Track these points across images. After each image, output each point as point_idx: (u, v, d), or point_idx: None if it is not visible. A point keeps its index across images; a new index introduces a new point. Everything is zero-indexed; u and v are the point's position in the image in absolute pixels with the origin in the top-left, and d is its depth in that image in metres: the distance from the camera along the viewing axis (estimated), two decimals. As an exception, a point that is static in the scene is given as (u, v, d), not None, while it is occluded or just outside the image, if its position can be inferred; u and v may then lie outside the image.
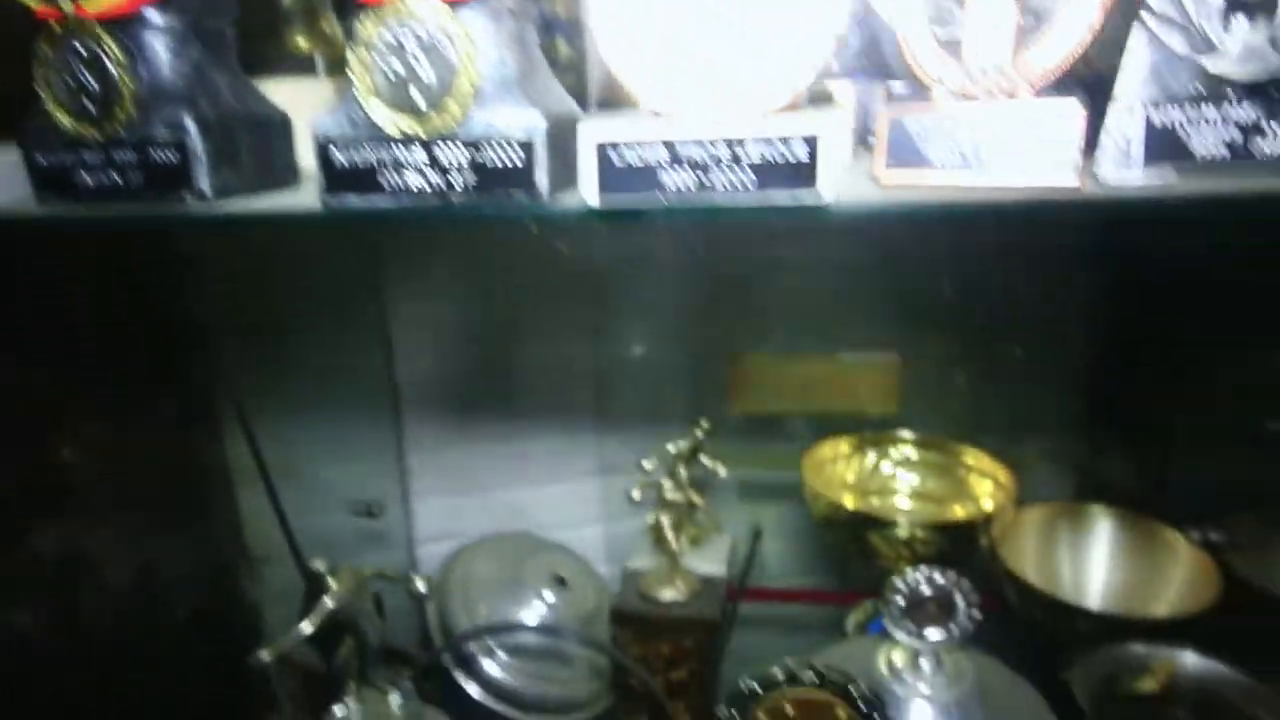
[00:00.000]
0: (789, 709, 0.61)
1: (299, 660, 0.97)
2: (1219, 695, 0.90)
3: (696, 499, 0.96)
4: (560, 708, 1.00)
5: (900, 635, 0.85)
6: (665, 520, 0.94)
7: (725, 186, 0.43)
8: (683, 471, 0.95)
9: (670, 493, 0.93)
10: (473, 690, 0.98)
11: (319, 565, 0.67)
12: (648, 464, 0.98)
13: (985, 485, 1.07)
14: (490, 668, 0.99)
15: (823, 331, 1.13)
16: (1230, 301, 1.04)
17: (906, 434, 1.13)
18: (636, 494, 0.95)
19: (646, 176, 0.44)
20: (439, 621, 1.03)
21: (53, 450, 0.86)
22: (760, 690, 0.62)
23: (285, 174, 0.55)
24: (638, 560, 1.02)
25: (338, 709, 0.70)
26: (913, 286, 1.09)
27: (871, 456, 1.12)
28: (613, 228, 1.07)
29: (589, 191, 0.45)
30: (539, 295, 1.17)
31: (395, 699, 0.71)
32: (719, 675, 0.97)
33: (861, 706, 0.61)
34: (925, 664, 0.85)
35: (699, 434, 1.02)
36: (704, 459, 1.01)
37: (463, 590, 1.03)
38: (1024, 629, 1.03)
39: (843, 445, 1.12)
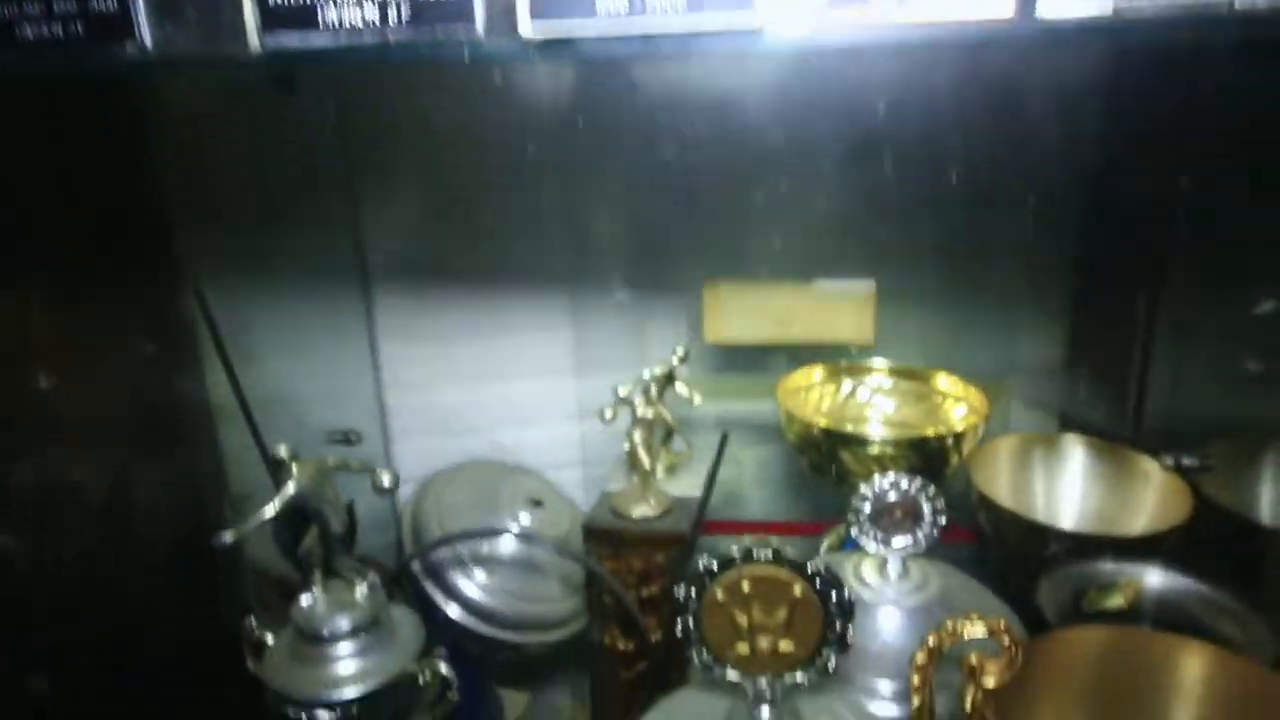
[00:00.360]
0: (746, 586, 0.62)
1: (276, 574, 0.97)
2: (1184, 609, 0.91)
3: (668, 415, 0.96)
4: (535, 626, 1.01)
5: (866, 541, 0.86)
6: (638, 437, 0.94)
7: (657, 9, 0.43)
8: (655, 390, 0.96)
9: (642, 409, 0.94)
10: (451, 611, 0.99)
11: (282, 451, 0.67)
12: (623, 389, 0.98)
13: (959, 410, 1.08)
14: (466, 587, 0.99)
15: (797, 258, 1.13)
16: (1212, 209, 1.04)
17: (880, 362, 1.13)
18: (609, 413, 0.95)
19: (579, -1, 0.44)
20: (415, 546, 1.04)
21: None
22: (717, 569, 0.62)
23: (237, 43, 0.55)
24: (613, 485, 1.03)
25: (304, 598, 0.71)
26: (887, 212, 1.10)
27: (846, 385, 1.13)
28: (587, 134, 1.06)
29: (523, 20, 0.45)
30: (515, 229, 1.17)
31: (361, 589, 0.71)
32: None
33: (818, 584, 0.61)
34: (892, 571, 0.86)
35: (675, 359, 1.02)
36: (680, 387, 1.01)
37: (437, 514, 1.04)
38: (999, 560, 1.04)
39: (817, 373, 1.13)
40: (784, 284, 1.11)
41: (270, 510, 0.65)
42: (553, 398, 1.27)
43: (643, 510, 0.95)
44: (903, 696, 0.78)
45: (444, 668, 0.71)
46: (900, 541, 0.85)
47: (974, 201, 1.09)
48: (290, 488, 0.66)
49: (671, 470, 1.09)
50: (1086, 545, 0.96)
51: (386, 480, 0.71)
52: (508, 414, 1.28)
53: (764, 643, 0.63)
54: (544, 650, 1.04)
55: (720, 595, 0.62)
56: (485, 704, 1.10)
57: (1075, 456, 1.12)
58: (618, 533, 0.94)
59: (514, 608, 1.00)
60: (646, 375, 0.98)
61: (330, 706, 0.67)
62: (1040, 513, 1.09)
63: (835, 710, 0.69)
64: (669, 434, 1.13)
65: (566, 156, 1.08)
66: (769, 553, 0.61)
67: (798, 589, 0.61)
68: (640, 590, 0.95)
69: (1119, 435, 1.15)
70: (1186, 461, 1.06)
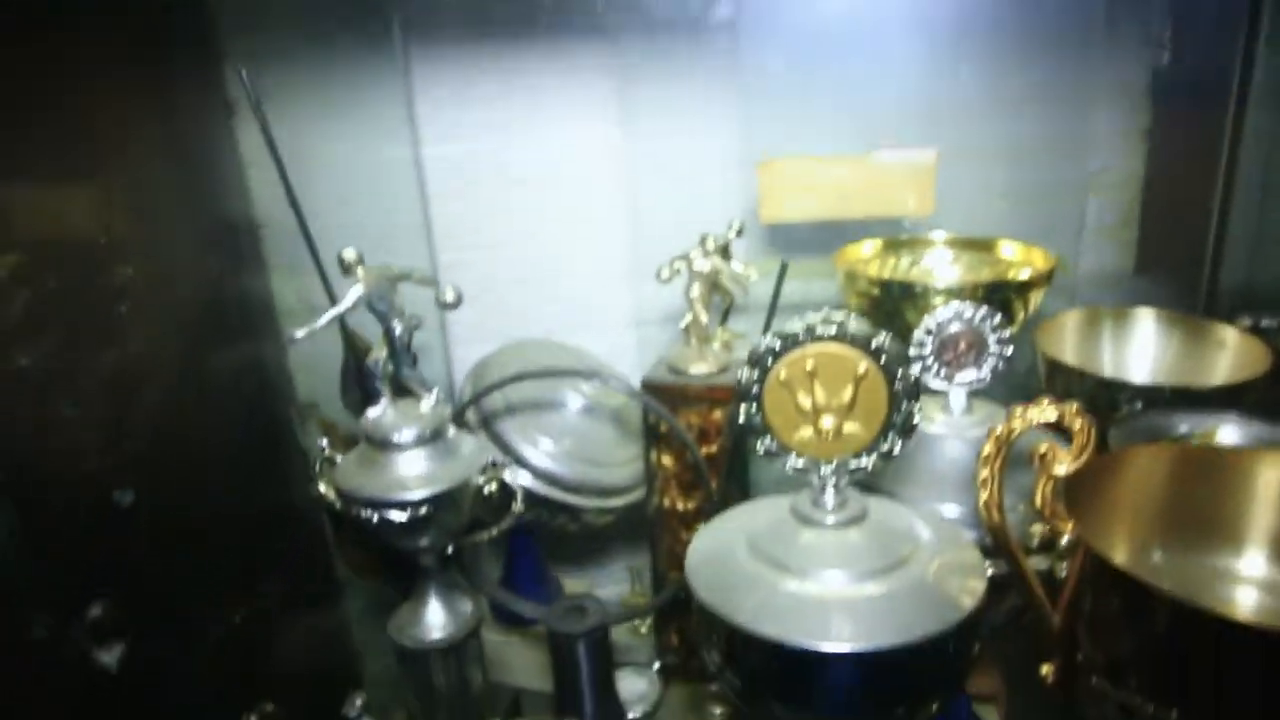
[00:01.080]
0: (809, 364, 0.61)
1: (343, 432, 1.00)
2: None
3: (725, 272, 0.96)
4: (595, 491, 1.02)
5: (930, 378, 0.85)
6: (695, 292, 0.94)
7: None
8: (711, 244, 0.95)
9: (699, 262, 0.94)
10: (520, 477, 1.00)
11: (348, 254, 0.69)
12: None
13: (1024, 272, 1.05)
14: (531, 454, 1.00)
15: (853, 130, 1.12)
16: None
17: (940, 234, 1.11)
18: (665, 272, 0.95)
19: None
20: (477, 417, 1.05)
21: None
22: (780, 348, 0.62)
23: None
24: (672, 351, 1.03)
25: (372, 410, 0.72)
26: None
27: (906, 256, 1.12)
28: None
29: None
30: (569, 156, 1.18)
31: (427, 402, 0.72)
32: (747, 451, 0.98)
33: (883, 360, 0.61)
34: (955, 406, 0.85)
35: (730, 233, 1.02)
36: (736, 264, 1.00)
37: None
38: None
39: (875, 245, 1.11)
40: (841, 158, 1.09)
41: (340, 308, 0.67)
42: (609, 304, 1.28)
43: (700, 367, 0.95)
44: (969, 520, 0.76)
45: (508, 475, 0.72)
46: (965, 375, 0.84)
47: (1038, 71, 1.07)
48: (359, 289, 0.67)
49: (727, 347, 1.09)
50: (1160, 401, 0.93)
51: (450, 295, 0.72)
52: (563, 320, 1.29)
53: (828, 424, 0.62)
54: (602, 519, 1.04)
55: (784, 374, 0.62)
56: (544, 585, 1.11)
57: (1146, 327, 1.09)
58: (676, 389, 0.94)
59: (575, 471, 1.00)
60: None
61: (401, 506, 0.68)
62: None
63: (899, 509, 0.68)
64: (727, 311, 1.13)
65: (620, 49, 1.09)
66: (833, 329, 0.61)
67: (862, 366, 0.61)
68: (699, 448, 0.95)
69: (1190, 305, 1.12)
70: (1265, 322, 1.03)
